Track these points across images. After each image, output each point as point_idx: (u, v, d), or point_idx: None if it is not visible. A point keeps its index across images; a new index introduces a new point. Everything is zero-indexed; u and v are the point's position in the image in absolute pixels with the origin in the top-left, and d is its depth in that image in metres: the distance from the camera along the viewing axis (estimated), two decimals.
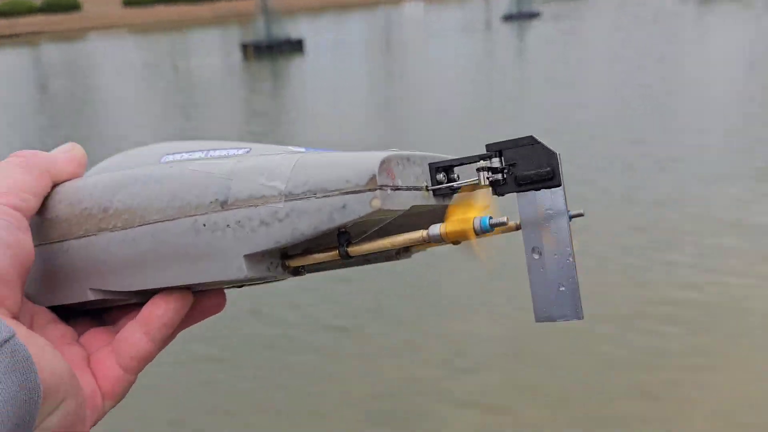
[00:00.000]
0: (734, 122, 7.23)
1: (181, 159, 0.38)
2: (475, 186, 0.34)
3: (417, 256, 0.45)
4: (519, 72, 12.51)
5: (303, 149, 0.37)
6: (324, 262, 0.36)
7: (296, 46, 17.73)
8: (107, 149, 7.78)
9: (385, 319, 3.65)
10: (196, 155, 0.38)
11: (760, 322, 3.31)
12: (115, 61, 19.08)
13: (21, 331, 0.29)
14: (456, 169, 0.36)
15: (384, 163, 0.33)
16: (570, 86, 10.42)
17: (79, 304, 0.38)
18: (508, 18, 21.87)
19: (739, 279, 3.69)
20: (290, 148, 0.38)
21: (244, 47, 17.67)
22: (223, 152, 0.38)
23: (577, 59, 13.17)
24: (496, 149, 0.35)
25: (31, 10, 32.82)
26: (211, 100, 11.83)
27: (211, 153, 0.38)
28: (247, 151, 0.38)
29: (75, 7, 33.95)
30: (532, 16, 21.93)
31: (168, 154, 0.39)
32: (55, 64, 20.28)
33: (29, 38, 28.22)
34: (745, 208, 4.64)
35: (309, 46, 18.02)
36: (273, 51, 17.25)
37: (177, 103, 11.63)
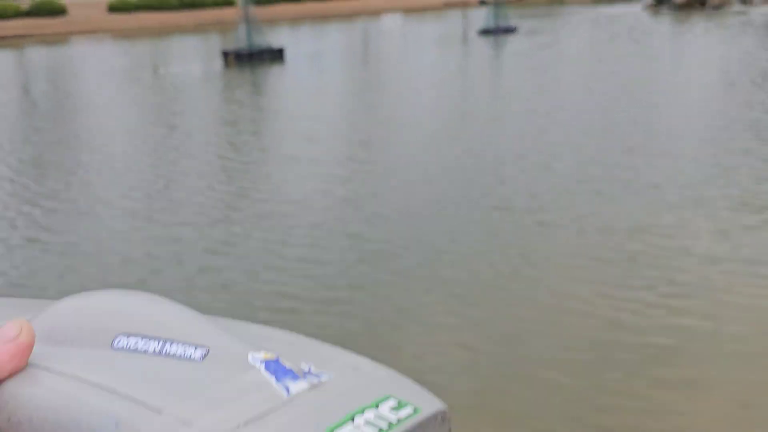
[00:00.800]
0: (711, 146, 7.28)
1: (135, 348, 0.36)
2: None
3: None
4: (491, 85, 13.02)
5: (274, 358, 0.35)
6: None
7: (277, 55, 18.12)
8: (84, 154, 8.09)
9: None
10: (151, 346, 0.36)
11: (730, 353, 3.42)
12: (97, 65, 19.33)
13: None
14: None
15: None
16: (540, 103, 10.88)
17: None
18: (485, 32, 22.49)
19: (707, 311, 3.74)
20: (257, 356, 0.36)
21: (226, 55, 18.02)
22: (179, 349, 0.36)
23: (550, 75, 13.71)
24: None
25: (18, 14, 32.90)
26: (191, 105, 12.16)
27: (167, 348, 0.36)
28: (204, 355, 0.36)
29: (61, 12, 34.11)
30: (509, 30, 22.55)
31: (122, 334, 0.37)
32: (39, 67, 20.50)
33: (15, 41, 28.32)
34: (718, 240, 4.67)
35: (289, 55, 18.45)
36: (254, 59, 17.64)
37: (156, 108, 11.95)
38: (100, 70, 18.09)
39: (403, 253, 4.87)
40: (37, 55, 23.94)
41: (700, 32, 20.15)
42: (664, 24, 23.91)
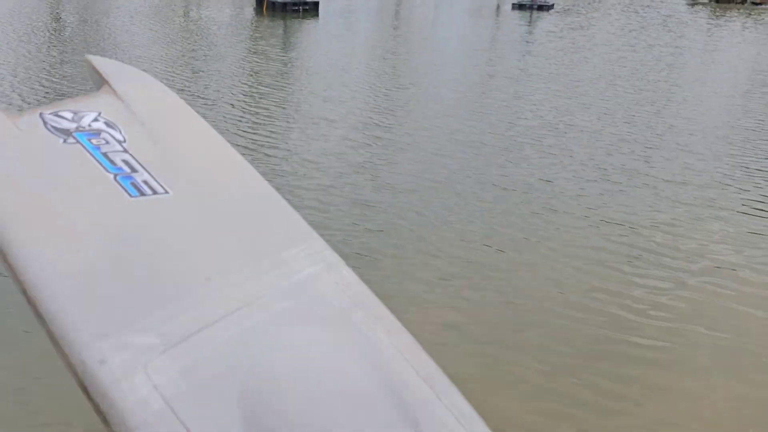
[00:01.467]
0: (730, 145, 7.22)
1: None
2: None
3: None
4: (518, 62, 13.07)
5: None
6: None
7: (312, 8, 18.14)
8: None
9: None
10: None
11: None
12: (129, 3, 19.39)
13: None
14: None
15: None
16: (563, 87, 10.93)
17: None
18: (520, 6, 22.33)
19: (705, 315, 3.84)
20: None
21: (260, 2, 18.06)
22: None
23: (579, 57, 13.73)
24: None
25: None
26: (222, 50, 12.30)
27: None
28: None
29: None
30: (543, 7, 22.36)
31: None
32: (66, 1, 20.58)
33: None
34: (728, 246, 4.65)
35: (323, 10, 18.46)
36: (288, 9, 17.67)
37: (184, 51, 12.09)
38: (132, 7, 18.16)
39: (401, 224, 4.91)
40: None
41: (737, 28, 19.92)
42: (701, 16, 23.63)
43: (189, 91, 8.67)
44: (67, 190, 0.56)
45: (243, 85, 9.34)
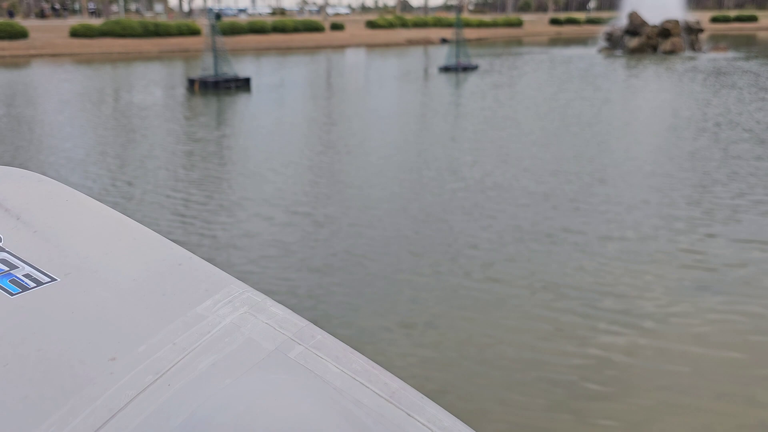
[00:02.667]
0: (659, 192, 7.26)
1: None
2: None
3: None
4: (447, 121, 13.49)
5: None
6: None
7: (243, 84, 18.42)
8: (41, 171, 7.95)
9: None
10: None
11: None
12: (56, 89, 19.29)
13: None
14: None
15: None
16: (488, 145, 11.31)
17: None
18: (445, 69, 23.24)
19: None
20: None
21: (192, 82, 18.23)
22: None
23: (504, 114, 14.28)
24: None
25: None
26: (153, 129, 12.29)
27: None
28: None
29: (22, 35, 33.82)
30: (468, 68, 23.33)
31: None
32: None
33: None
34: (664, 298, 4.62)
35: (254, 84, 18.75)
36: (219, 87, 17.89)
37: (114, 138, 12.02)
38: (59, 94, 18.06)
39: (323, 305, 5.05)
40: None
41: (652, 76, 21.12)
42: (616, 67, 25.00)
43: (121, 179, 8.54)
44: None
45: (174, 170, 9.09)
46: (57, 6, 66.26)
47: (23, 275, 0.58)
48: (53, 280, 0.58)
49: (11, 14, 57.91)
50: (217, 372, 0.49)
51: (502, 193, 7.42)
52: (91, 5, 64.92)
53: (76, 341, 0.51)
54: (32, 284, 0.57)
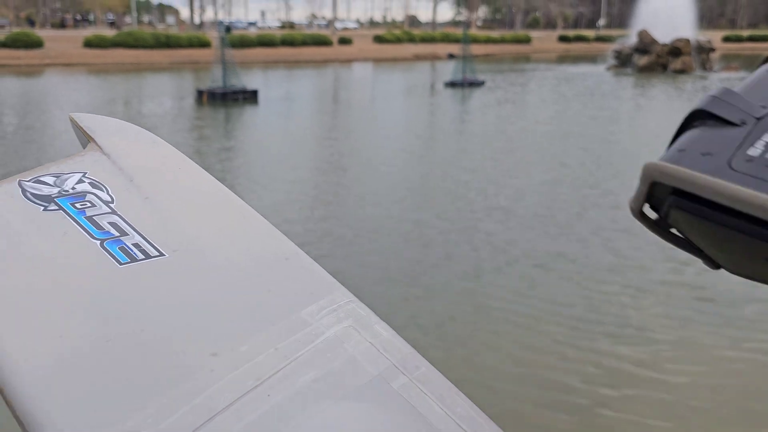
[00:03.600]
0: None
1: None
2: None
3: None
4: (452, 136, 13.59)
5: None
6: None
7: (250, 96, 18.57)
8: None
9: None
10: None
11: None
12: (66, 98, 19.53)
13: None
14: None
15: None
16: (494, 164, 11.37)
17: None
18: (452, 84, 23.35)
19: None
20: None
21: (200, 93, 18.41)
22: None
23: (512, 131, 14.36)
24: None
25: None
26: (163, 137, 12.41)
27: None
28: None
29: (37, 45, 34.28)
30: (475, 84, 23.43)
31: None
32: (10, 96, 20.60)
33: None
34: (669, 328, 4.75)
35: (262, 97, 18.93)
36: (227, 99, 18.06)
37: None
38: (72, 102, 18.28)
39: None
40: (8, 84, 24.06)
41: (661, 96, 21.07)
42: (625, 85, 25.02)
43: None
44: (47, 265, 0.49)
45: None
46: (78, 16, 67.18)
47: (132, 244, 0.55)
48: (161, 255, 0.54)
49: (32, 23, 58.60)
50: (318, 389, 0.45)
51: (508, 215, 7.49)
52: (110, 16, 65.77)
53: (179, 328, 0.48)
54: (140, 256, 0.54)
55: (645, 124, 14.83)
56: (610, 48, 36.21)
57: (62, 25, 60.17)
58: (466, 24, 34.27)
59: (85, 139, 0.69)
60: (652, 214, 0.36)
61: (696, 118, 0.35)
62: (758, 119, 0.33)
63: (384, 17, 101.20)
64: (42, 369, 0.44)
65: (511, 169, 9.71)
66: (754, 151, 0.32)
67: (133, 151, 0.68)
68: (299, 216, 7.12)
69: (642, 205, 0.36)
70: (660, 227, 0.36)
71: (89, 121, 0.71)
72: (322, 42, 46.12)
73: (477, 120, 15.32)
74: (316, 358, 0.47)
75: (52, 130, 13.33)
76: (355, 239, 6.35)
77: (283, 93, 21.62)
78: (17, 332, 0.46)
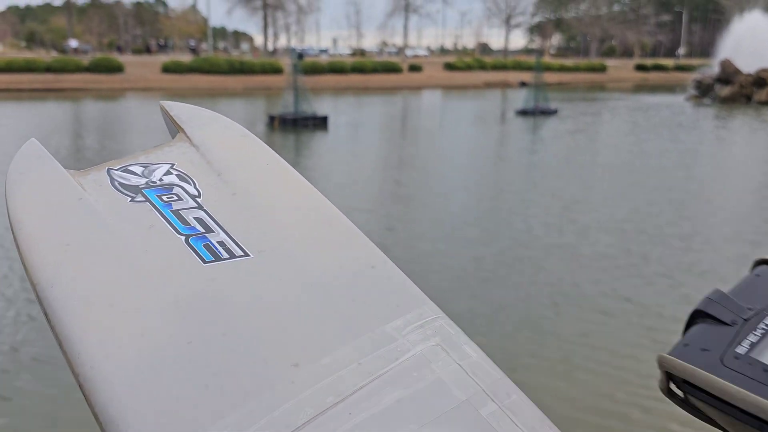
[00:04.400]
0: (734, 258, 6.64)
1: None
2: None
3: None
4: (522, 167, 13.21)
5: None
6: None
7: (320, 122, 18.69)
8: None
9: None
10: None
11: None
12: (140, 122, 20.13)
13: None
14: None
15: None
16: (563, 193, 11.00)
17: None
18: (523, 113, 22.92)
19: None
20: None
21: (272, 118, 18.67)
22: None
23: (580, 158, 13.87)
24: None
25: (79, 69, 34.66)
26: None
27: None
28: None
29: (118, 69, 35.81)
30: (546, 112, 22.92)
31: None
32: (92, 118, 21.42)
33: (74, 94, 29.70)
34: None
35: (332, 123, 19.02)
36: (298, 124, 18.22)
37: None
38: (149, 125, 18.83)
39: None
40: (92, 107, 25.06)
41: (744, 130, 19.94)
42: (705, 116, 23.96)
43: None
44: (132, 259, 0.47)
45: None
46: (162, 42, 70.59)
47: (217, 242, 0.52)
48: (246, 255, 0.52)
49: (120, 49, 61.53)
50: (402, 412, 0.42)
51: (573, 253, 7.08)
52: (191, 42, 68.66)
53: (261, 334, 0.45)
54: (225, 255, 0.51)
55: (724, 159, 14.05)
56: (690, 77, 34.96)
57: (147, 50, 62.98)
58: (539, 51, 33.78)
59: (174, 128, 0.66)
60: (680, 392, 0.40)
61: (698, 316, 0.40)
62: (746, 320, 0.39)
63: (455, 45, 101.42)
64: (123, 368, 0.43)
65: (570, 205, 9.27)
66: (741, 349, 0.37)
67: (223, 145, 0.65)
68: None
69: (668, 385, 0.40)
70: (687, 404, 0.40)
71: (179, 110, 0.69)
72: (392, 69, 46.44)
73: (546, 150, 14.87)
74: (401, 377, 0.44)
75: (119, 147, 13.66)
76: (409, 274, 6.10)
77: (352, 119, 21.69)
78: (100, 327, 0.44)
